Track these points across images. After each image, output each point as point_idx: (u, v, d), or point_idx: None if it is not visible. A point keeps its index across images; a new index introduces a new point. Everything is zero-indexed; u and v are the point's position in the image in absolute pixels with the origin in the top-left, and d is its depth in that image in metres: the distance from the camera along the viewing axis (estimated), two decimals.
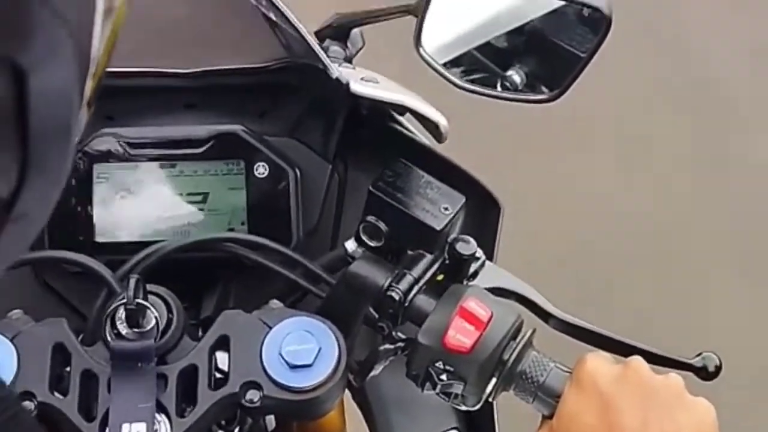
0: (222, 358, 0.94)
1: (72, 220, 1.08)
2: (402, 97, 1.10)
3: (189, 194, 1.10)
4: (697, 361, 0.98)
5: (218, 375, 0.93)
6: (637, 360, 0.90)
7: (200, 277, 1.10)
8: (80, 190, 1.08)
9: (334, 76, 1.05)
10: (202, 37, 1.17)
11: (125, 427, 0.87)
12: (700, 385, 0.96)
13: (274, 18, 1.06)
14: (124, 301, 0.90)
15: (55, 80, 0.39)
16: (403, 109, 1.13)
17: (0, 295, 1.09)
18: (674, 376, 0.90)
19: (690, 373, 0.97)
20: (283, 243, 1.06)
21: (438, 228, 0.98)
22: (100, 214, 1.08)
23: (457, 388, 0.92)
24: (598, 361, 0.90)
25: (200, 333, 0.98)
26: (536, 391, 0.92)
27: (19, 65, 0.37)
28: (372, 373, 0.98)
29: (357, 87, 1.07)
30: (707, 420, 0.88)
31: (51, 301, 1.11)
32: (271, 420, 1.10)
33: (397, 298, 0.93)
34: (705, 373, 0.98)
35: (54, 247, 1.07)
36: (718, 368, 0.98)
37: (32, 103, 0.38)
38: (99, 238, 1.08)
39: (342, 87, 1.06)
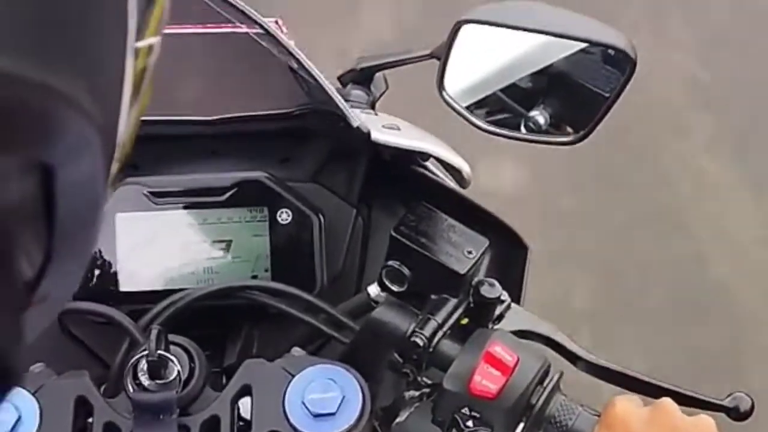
0: (245, 406, 0.93)
1: (96, 269, 1.08)
2: (424, 145, 1.10)
3: (213, 242, 1.10)
4: (728, 402, 0.96)
5: (241, 423, 0.92)
6: (667, 402, 0.89)
7: (223, 323, 1.10)
8: (104, 240, 1.08)
9: (354, 125, 1.05)
10: (224, 85, 1.17)
11: None
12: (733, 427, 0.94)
13: (294, 66, 1.06)
14: (146, 352, 0.90)
15: (82, 173, 0.38)
16: (425, 156, 1.13)
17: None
18: (705, 418, 0.88)
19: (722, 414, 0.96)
20: (306, 289, 1.06)
21: (462, 272, 0.97)
22: (123, 263, 1.08)
23: None
24: (628, 404, 0.89)
25: (224, 380, 0.97)
26: None
27: (47, 164, 0.36)
28: (397, 420, 0.97)
29: (378, 135, 1.06)
30: None
31: (75, 350, 1.11)
32: None
33: (421, 343, 0.92)
34: (737, 414, 0.96)
35: (78, 297, 1.07)
36: (751, 409, 0.96)
37: (59, 196, 0.37)
38: (123, 287, 1.08)
39: (363, 135, 1.05)
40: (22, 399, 0.89)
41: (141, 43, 0.41)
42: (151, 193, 1.09)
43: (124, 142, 0.42)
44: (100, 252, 1.08)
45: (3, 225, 0.36)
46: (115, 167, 0.42)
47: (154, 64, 0.43)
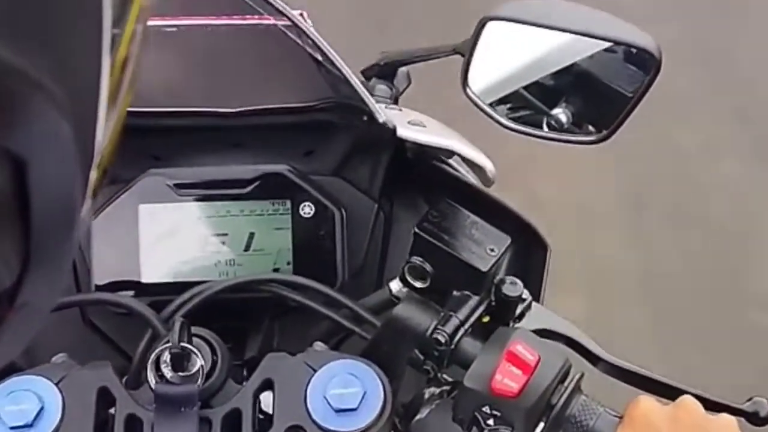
0: (266, 400, 0.93)
1: (119, 260, 1.08)
2: (449, 142, 1.10)
3: (235, 234, 1.10)
4: (748, 406, 0.96)
5: (261, 417, 0.92)
6: (690, 400, 0.89)
7: (245, 316, 1.10)
8: (126, 230, 1.08)
9: (380, 120, 1.05)
10: (249, 76, 1.17)
11: None
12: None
13: (320, 59, 1.07)
14: (169, 344, 0.90)
15: (56, 172, 0.37)
16: (450, 153, 1.13)
17: (47, 335, 1.09)
18: (727, 417, 0.88)
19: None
20: (328, 283, 1.06)
21: (484, 269, 0.97)
22: (146, 254, 1.09)
23: None
24: (651, 402, 0.89)
25: (244, 373, 0.98)
26: None
27: (18, 155, 0.36)
28: (417, 417, 0.97)
29: (404, 132, 1.07)
30: None
31: (97, 342, 1.11)
32: None
33: (443, 340, 0.92)
34: (757, 419, 0.96)
35: (100, 288, 1.07)
36: None
37: (33, 195, 0.37)
38: (145, 279, 1.08)
39: (389, 131, 1.06)
40: (45, 389, 0.90)
41: (119, 30, 0.40)
42: (174, 184, 1.09)
43: (103, 147, 0.41)
44: (122, 242, 1.08)
45: None
46: (94, 175, 0.41)
47: (138, 59, 0.42)
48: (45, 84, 0.35)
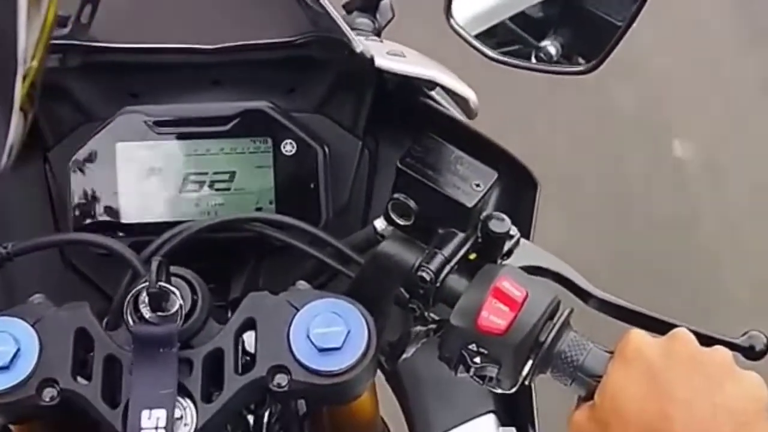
0: (249, 340, 0.91)
1: (97, 200, 1.06)
2: (429, 72, 1.07)
3: (215, 173, 1.08)
4: (743, 341, 0.95)
5: (246, 358, 0.91)
6: (683, 332, 0.88)
7: (228, 257, 1.08)
8: (104, 170, 1.06)
9: (358, 50, 1.02)
10: (228, 12, 1.14)
11: (145, 413, 0.84)
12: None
13: None
14: (147, 284, 0.88)
15: None
16: (432, 84, 1.10)
17: (26, 276, 1.08)
18: (722, 349, 0.87)
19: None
20: (312, 222, 1.04)
21: (469, 205, 0.95)
22: (125, 194, 1.06)
23: (492, 371, 0.89)
24: (643, 336, 0.88)
25: (229, 314, 0.96)
26: (575, 372, 0.89)
27: None
28: (404, 356, 0.96)
29: (382, 61, 1.04)
30: (757, 393, 0.84)
31: (77, 283, 1.09)
32: (302, 403, 1.08)
33: (428, 278, 0.90)
34: (752, 353, 0.94)
35: (80, 229, 1.05)
36: (766, 347, 0.94)
37: None
38: (124, 219, 1.06)
39: (367, 61, 1.03)
40: (21, 330, 0.88)
41: None
42: (152, 122, 1.07)
43: (28, 59, 0.39)
44: (100, 182, 1.06)
45: None
46: (19, 86, 0.38)
47: None
48: None
